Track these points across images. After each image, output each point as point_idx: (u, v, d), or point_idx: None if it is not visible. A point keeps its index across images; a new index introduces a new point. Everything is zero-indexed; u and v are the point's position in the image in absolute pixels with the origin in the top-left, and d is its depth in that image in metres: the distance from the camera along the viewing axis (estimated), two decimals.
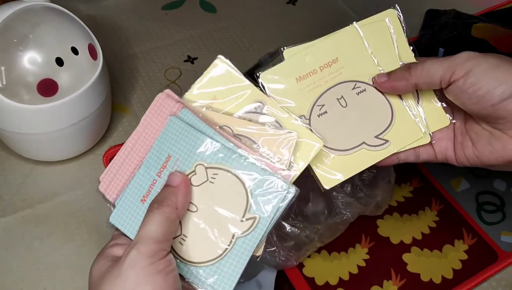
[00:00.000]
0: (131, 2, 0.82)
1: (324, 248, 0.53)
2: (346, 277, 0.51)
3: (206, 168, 0.38)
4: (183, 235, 0.38)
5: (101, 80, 0.56)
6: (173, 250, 0.38)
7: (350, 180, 0.48)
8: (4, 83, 0.51)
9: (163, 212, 0.36)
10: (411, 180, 0.59)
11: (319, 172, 0.42)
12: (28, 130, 0.54)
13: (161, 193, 0.37)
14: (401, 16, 0.46)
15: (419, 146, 0.44)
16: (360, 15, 0.80)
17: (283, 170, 0.38)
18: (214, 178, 0.38)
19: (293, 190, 0.37)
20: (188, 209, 0.38)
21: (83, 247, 0.53)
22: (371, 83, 0.44)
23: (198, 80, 0.42)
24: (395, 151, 0.43)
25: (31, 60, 0.51)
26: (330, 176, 0.42)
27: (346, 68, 0.44)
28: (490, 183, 0.59)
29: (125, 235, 0.39)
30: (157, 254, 0.35)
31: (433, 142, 0.44)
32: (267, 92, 0.43)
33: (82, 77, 0.54)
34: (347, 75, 0.44)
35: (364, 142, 0.43)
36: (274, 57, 0.74)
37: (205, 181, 0.38)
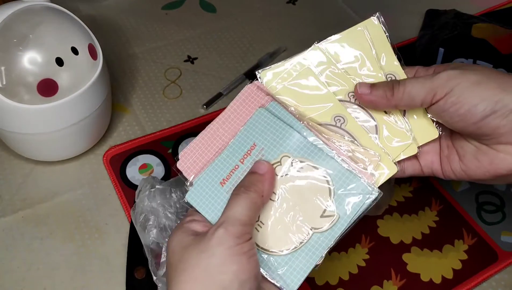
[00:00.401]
0: (131, 2, 0.82)
1: None
2: (346, 277, 0.51)
3: (292, 160, 0.39)
4: (260, 221, 0.39)
5: (101, 80, 0.56)
6: None
7: None
8: (4, 83, 0.51)
9: (250, 197, 0.37)
10: (411, 180, 0.59)
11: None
12: (28, 130, 0.54)
13: (247, 178, 0.38)
14: (385, 25, 0.45)
15: (405, 159, 0.43)
16: (360, 15, 0.80)
17: (367, 173, 0.39)
18: (299, 171, 0.39)
19: (375, 193, 0.37)
20: (274, 203, 0.39)
21: (83, 247, 0.53)
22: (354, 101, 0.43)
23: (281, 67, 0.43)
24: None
25: (31, 60, 0.51)
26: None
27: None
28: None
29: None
30: (243, 236, 0.35)
31: (418, 154, 0.43)
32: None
33: (82, 77, 0.54)
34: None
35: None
36: (274, 57, 0.74)
37: (289, 173, 0.39)
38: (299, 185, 0.39)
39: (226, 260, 0.34)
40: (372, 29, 0.45)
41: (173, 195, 0.51)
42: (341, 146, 0.40)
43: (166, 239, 0.48)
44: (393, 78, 0.44)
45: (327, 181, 0.38)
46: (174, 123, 0.64)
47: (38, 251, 0.52)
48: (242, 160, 0.40)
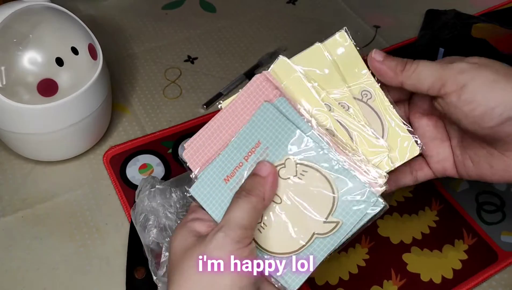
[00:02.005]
0: (131, 2, 0.82)
1: None
2: (346, 277, 0.51)
3: (297, 163, 0.38)
4: (263, 223, 0.38)
5: (101, 80, 0.56)
6: None
7: None
8: (4, 83, 0.51)
9: (251, 201, 0.36)
10: None
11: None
12: (28, 130, 0.54)
13: (249, 181, 0.38)
14: (351, 40, 0.42)
15: (416, 168, 0.42)
16: (361, 15, 0.80)
17: (375, 182, 0.38)
18: (303, 175, 0.38)
19: (381, 204, 0.37)
20: (277, 204, 0.38)
21: (83, 247, 0.53)
22: None
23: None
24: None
25: (31, 60, 0.51)
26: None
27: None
28: (490, 183, 0.59)
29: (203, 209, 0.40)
30: (243, 241, 0.35)
31: (424, 157, 0.42)
32: None
33: (82, 77, 0.54)
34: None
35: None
36: (274, 57, 0.74)
37: (293, 176, 0.38)
38: (303, 189, 0.38)
39: None
40: (335, 47, 0.42)
41: (173, 195, 0.50)
42: (347, 153, 0.39)
43: (167, 239, 0.48)
44: (369, 94, 0.41)
45: (332, 187, 0.38)
46: (174, 123, 0.64)
47: (38, 251, 0.52)
48: (246, 158, 0.39)
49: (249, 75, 0.70)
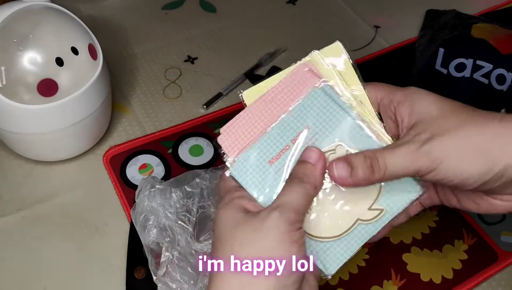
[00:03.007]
0: (131, 2, 0.82)
1: None
2: (346, 277, 0.51)
3: (347, 150, 0.39)
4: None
5: (101, 80, 0.56)
6: None
7: None
8: (4, 83, 0.51)
9: (304, 187, 0.37)
10: None
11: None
12: (28, 130, 0.54)
13: (300, 169, 0.38)
14: (346, 53, 0.42)
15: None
16: (360, 15, 0.80)
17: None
18: None
19: (421, 191, 0.39)
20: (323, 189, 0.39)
21: (83, 247, 0.53)
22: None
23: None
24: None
25: (31, 60, 0.51)
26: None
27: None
28: None
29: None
30: (295, 224, 0.36)
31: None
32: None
33: (82, 77, 0.54)
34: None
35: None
36: (274, 57, 0.74)
37: None
38: None
39: (278, 246, 0.35)
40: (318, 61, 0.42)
41: (173, 195, 0.51)
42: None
43: (167, 239, 0.48)
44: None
45: None
46: (174, 123, 0.64)
47: (38, 251, 0.52)
48: (293, 141, 0.39)
49: (249, 75, 0.70)
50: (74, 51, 0.53)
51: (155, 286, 0.47)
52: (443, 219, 0.56)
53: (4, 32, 0.51)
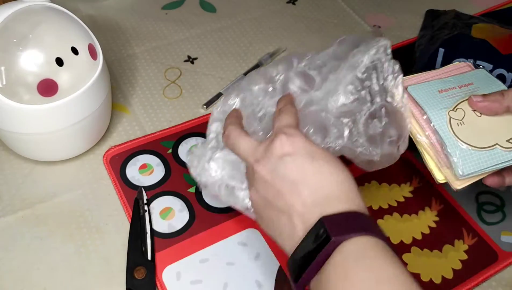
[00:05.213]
0: (131, 2, 0.82)
1: None
2: None
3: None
4: (463, 121, 0.48)
5: (101, 80, 0.56)
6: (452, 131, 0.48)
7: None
8: (4, 83, 0.51)
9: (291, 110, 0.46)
10: (411, 180, 0.59)
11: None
12: (28, 130, 0.54)
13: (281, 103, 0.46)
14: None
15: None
16: (360, 15, 0.80)
17: None
18: None
19: None
20: (474, 112, 0.48)
21: (83, 247, 0.53)
22: None
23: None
24: None
25: (31, 60, 0.51)
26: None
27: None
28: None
29: (419, 106, 0.49)
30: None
31: None
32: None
33: (82, 77, 0.54)
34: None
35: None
36: (274, 57, 0.74)
37: None
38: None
39: (329, 163, 0.40)
40: None
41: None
42: None
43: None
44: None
45: None
46: (174, 123, 0.64)
47: (38, 251, 0.52)
48: (460, 86, 0.51)
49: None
50: (74, 51, 0.53)
51: (155, 286, 0.47)
52: (443, 219, 0.56)
53: (4, 32, 0.51)
